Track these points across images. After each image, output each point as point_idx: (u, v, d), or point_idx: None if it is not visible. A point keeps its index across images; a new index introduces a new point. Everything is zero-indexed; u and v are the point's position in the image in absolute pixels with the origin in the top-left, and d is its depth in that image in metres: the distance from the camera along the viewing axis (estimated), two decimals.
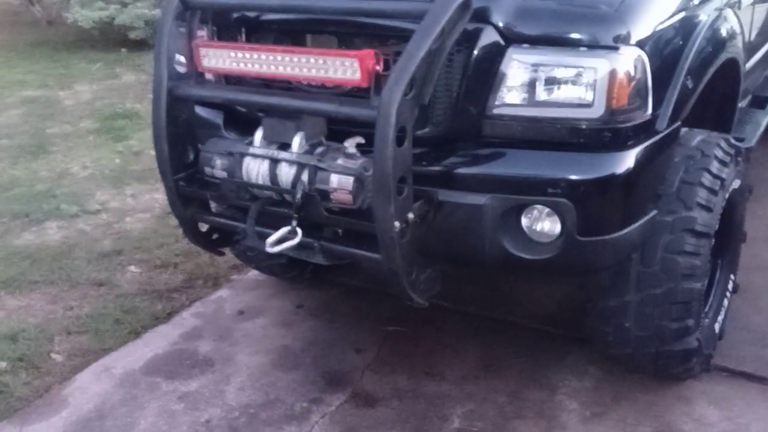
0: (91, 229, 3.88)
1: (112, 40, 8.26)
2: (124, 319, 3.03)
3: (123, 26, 7.94)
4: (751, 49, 3.08)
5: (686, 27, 2.22)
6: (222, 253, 2.60)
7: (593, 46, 1.91)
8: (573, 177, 1.93)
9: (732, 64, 2.60)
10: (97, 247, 3.66)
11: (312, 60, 1.93)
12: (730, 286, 2.68)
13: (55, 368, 2.73)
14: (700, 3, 2.35)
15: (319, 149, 2.02)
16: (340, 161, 1.96)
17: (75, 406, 2.52)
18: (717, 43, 2.40)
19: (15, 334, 2.92)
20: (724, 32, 2.47)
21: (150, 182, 4.41)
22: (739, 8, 2.73)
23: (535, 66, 1.93)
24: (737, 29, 2.63)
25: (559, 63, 1.92)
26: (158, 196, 4.20)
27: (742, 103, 3.08)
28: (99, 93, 6.59)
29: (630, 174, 1.97)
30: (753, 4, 3.01)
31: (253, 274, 3.32)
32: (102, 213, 4.07)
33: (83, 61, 7.77)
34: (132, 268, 3.45)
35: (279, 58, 1.98)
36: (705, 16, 2.34)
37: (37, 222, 3.95)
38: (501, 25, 1.93)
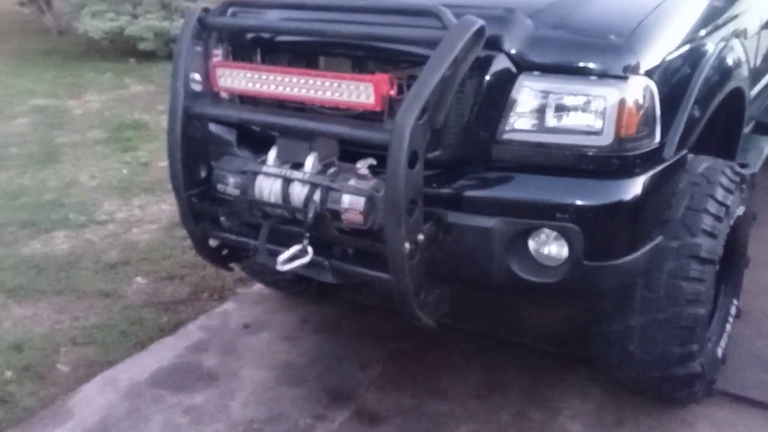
0: (98, 239, 3.91)
1: (122, 50, 8.34)
2: (130, 331, 3.05)
3: (132, 37, 8.04)
4: (756, 75, 3.12)
5: (694, 57, 2.26)
6: (231, 269, 2.63)
7: (603, 75, 1.94)
8: (581, 202, 1.96)
9: (738, 93, 2.64)
10: (104, 257, 3.68)
11: (327, 83, 1.96)
12: (733, 311, 2.70)
13: (61, 379, 2.75)
14: (708, 33, 2.39)
15: (332, 170, 2.05)
16: (352, 182, 1.99)
17: (80, 417, 2.53)
18: (724, 72, 2.43)
19: (21, 344, 2.94)
20: (730, 62, 2.50)
21: (157, 193, 4.45)
22: (746, 38, 2.77)
23: (546, 93, 1.96)
24: (743, 58, 2.67)
25: (569, 91, 1.95)
26: (165, 208, 4.24)
27: (746, 129, 3.11)
28: (108, 103, 6.64)
29: (637, 201, 2.00)
30: (758, 32, 3.05)
31: (259, 287, 3.34)
32: (109, 223, 4.10)
33: (93, 71, 7.83)
34: (138, 279, 3.48)
35: (294, 80, 2.02)
36: (712, 46, 2.38)
37: (44, 231, 3.98)
38: (513, 52, 1.97)
